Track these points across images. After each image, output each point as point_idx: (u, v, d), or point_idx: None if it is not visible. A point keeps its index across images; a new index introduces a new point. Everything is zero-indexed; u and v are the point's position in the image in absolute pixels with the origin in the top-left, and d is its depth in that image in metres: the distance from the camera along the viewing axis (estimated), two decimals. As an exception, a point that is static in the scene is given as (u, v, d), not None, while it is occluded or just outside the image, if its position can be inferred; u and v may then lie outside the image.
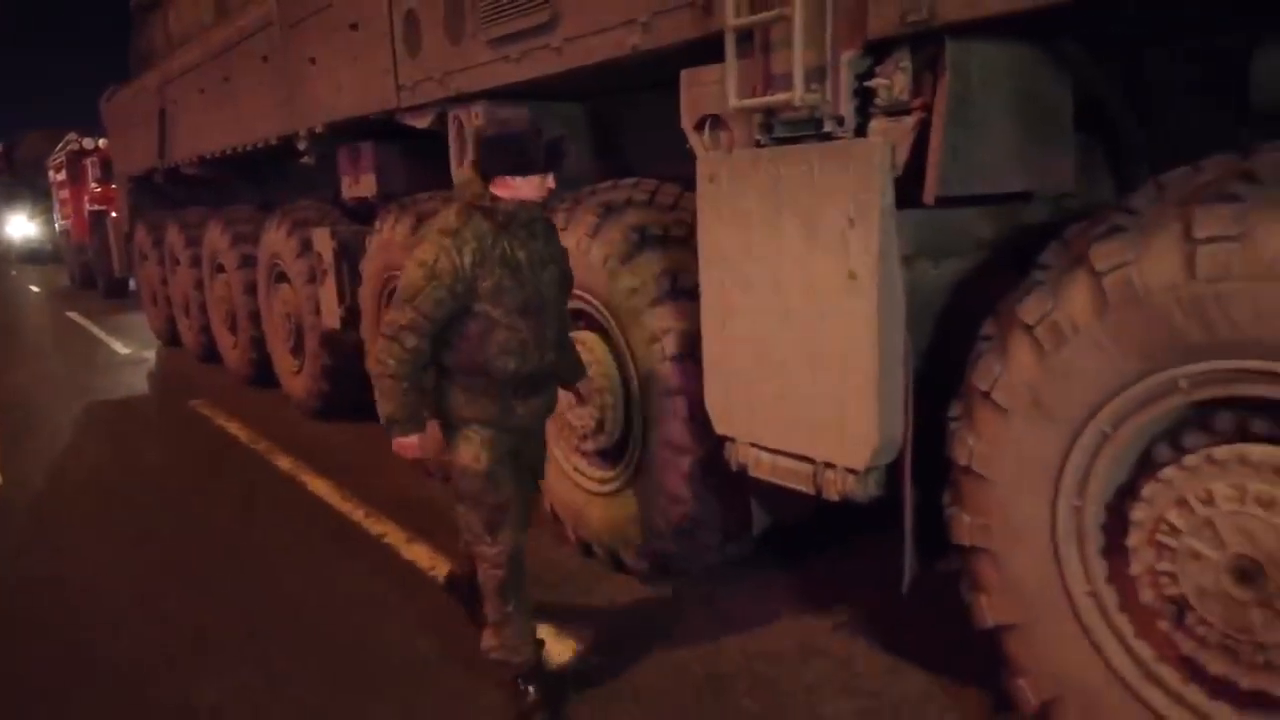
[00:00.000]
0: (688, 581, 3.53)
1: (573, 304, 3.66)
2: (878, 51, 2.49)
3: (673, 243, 3.34)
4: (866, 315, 2.42)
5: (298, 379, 6.55)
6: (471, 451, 2.68)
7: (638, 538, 3.50)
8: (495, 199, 2.55)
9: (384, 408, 2.61)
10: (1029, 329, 2.13)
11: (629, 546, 3.56)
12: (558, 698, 2.79)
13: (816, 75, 2.54)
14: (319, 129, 5.58)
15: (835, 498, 2.63)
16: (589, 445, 3.68)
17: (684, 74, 3.02)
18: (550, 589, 3.57)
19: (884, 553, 2.68)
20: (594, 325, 3.61)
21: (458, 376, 2.65)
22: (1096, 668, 2.11)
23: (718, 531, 3.36)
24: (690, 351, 3.13)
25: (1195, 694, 1.97)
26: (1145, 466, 2.05)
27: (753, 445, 2.85)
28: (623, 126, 4.08)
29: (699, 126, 3.00)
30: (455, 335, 2.59)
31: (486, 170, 2.56)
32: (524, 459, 2.85)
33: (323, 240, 5.73)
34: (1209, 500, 1.87)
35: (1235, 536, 1.83)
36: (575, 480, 3.82)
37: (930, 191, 2.35)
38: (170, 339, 10.08)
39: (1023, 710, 2.30)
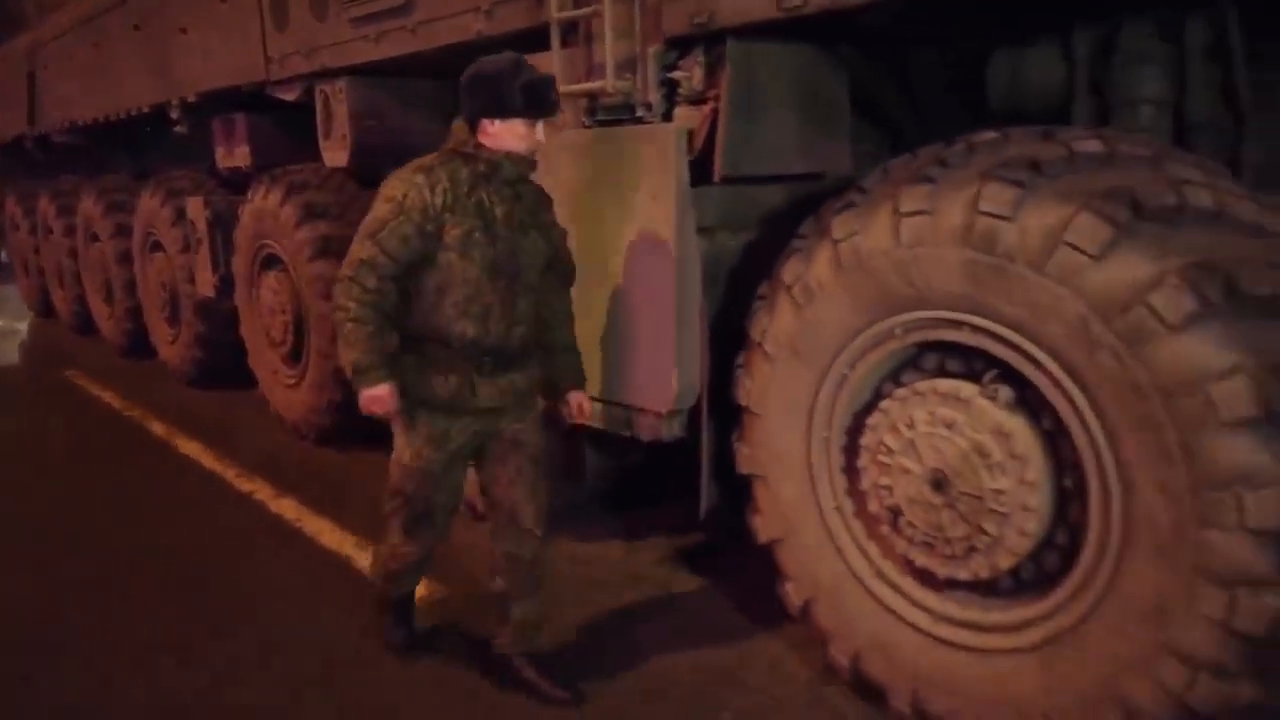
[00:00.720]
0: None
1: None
2: (681, 46, 2.85)
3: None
4: (667, 279, 2.78)
5: (174, 348, 6.59)
6: (413, 446, 2.46)
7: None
8: (479, 146, 2.37)
9: (346, 356, 2.34)
10: (789, 288, 2.53)
11: (483, 497, 3.86)
12: (413, 631, 2.96)
13: (628, 66, 2.88)
14: (191, 99, 5.64)
15: (646, 438, 3.00)
16: (445, 402, 3.97)
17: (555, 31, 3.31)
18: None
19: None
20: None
21: (412, 344, 2.42)
22: (839, 568, 2.54)
23: (558, 478, 3.69)
24: (530, 313, 3.45)
25: (908, 583, 2.42)
26: (878, 400, 2.48)
27: (600, 402, 3.20)
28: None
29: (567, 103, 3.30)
30: (411, 289, 2.39)
31: (467, 115, 2.39)
32: (502, 440, 2.55)
33: (196, 209, 5.80)
34: (912, 425, 2.31)
35: (930, 453, 2.27)
36: (434, 435, 4.11)
37: (718, 171, 2.73)
38: (44, 310, 9.82)
39: (791, 611, 2.73)
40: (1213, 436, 1.80)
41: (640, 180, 2.79)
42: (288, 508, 4.26)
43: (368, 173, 4.76)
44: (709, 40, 2.73)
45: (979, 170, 2.14)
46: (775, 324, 2.58)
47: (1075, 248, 1.94)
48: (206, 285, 5.85)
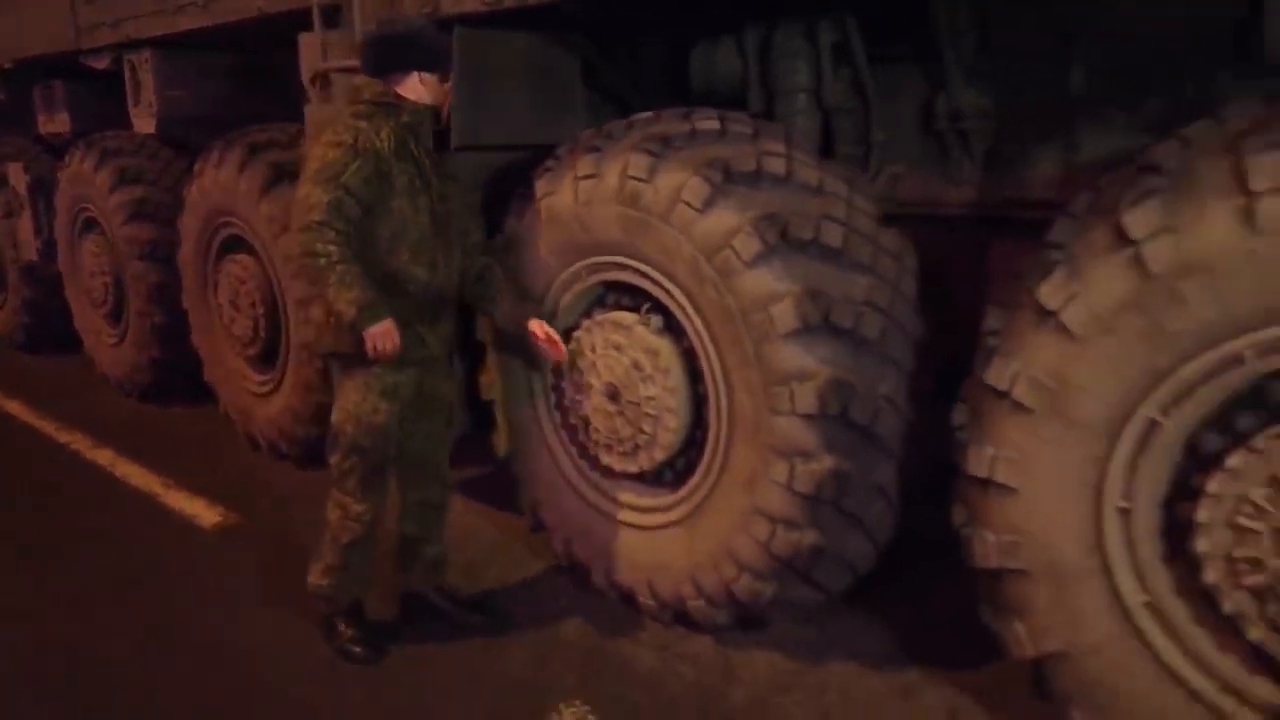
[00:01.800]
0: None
1: (230, 229, 4.30)
2: (428, 30, 3.27)
3: (308, 179, 4.02)
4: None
5: (1, 313, 6.62)
6: (370, 401, 2.47)
7: (290, 428, 4.20)
8: (400, 97, 2.46)
9: (349, 296, 2.31)
10: (511, 240, 3.02)
11: (284, 436, 4.25)
12: (377, 636, 2.79)
13: (380, 47, 3.29)
14: (7, 66, 5.70)
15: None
16: (249, 352, 4.32)
17: (301, 37, 3.68)
18: (218, 472, 4.23)
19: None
20: (247, 248, 4.23)
21: None
22: (556, 472, 3.07)
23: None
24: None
25: (599, 479, 2.97)
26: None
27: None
28: (284, 75, 4.65)
29: (313, 82, 3.68)
30: (361, 243, 2.39)
31: (389, 67, 2.47)
32: (428, 395, 2.64)
33: (16, 174, 5.88)
34: (594, 349, 2.84)
35: (606, 370, 2.81)
36: (242, 384, 4.45)
37: (453, 141, 3.18)
38: None
39: (529, 521, 3.24)
40: (773, 345, 2.39)
41: (389, 148, 3.22)
42: (103, 456, 4.53)
43: (177, 139, 5.01)
44: (447, 26, 3.17)
45: (630, 143, 2.67)
46: (506, 268, 3.06)
47: (688, 204, 2.50)
48: (30, 250, 5.94)
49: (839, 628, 2.78)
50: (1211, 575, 1.78)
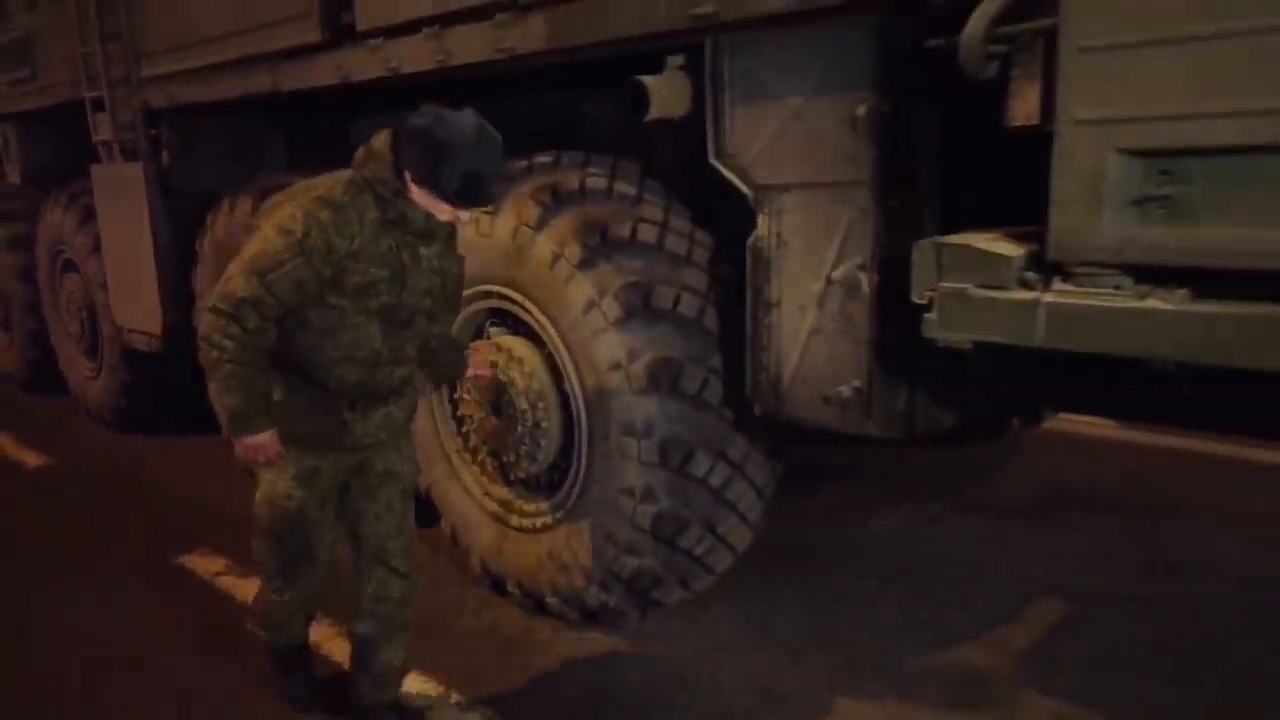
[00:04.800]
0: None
1: (65, 254, 5.77)
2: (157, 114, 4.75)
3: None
4: (148, 252, 4.68)
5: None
6: (284, 484, 2.27)
7: (108, 402, 5.63)
8: (399, 193, 2.05)
9: (226, 402, 2.11)
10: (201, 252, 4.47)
11: (105, 408, 5.68)
12: (310, 669, 2.67)
13: (130, 126, 4.76)
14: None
15: (153, 351, 4.86)
16: (81, 345, 5.78)
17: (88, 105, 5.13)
18: (53, 435, 5.66)
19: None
20: (75, 268, 5.71)
21: (285, 378, 2.20)
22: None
23: (151, 389, 5.54)
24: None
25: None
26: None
27: (128, 330, 5.08)
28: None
29: (100, 146, 5.15)
30: (293, 323, 2.12)
31: (403, 159, 2.03)
32: (377, 473, 2.37)
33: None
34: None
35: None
36: (80, 371, 5.90)
37: (171, 187, 4.64)
38: None
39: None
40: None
41: (128, 194, 4.70)
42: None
43: (43, 186, 6.49)
44: (160, 114, 4.65)
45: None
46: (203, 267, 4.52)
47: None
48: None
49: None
50: (465, 428, 3.20)
